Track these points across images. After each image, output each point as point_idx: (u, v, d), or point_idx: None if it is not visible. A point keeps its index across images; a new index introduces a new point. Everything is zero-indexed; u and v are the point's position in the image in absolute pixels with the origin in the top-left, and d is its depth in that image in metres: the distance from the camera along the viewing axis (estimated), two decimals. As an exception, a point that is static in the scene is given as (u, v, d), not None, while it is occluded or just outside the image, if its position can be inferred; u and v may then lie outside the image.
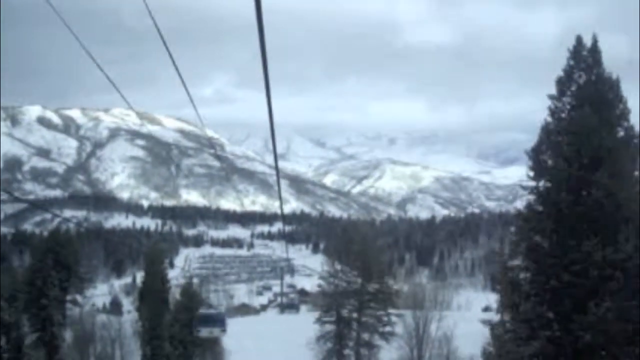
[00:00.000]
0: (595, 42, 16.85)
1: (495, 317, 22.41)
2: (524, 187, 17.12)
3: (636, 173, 15.87)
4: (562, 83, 16.94)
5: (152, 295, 55.54)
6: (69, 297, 54.51)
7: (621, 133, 16.21)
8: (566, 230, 15.51)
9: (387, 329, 49.93)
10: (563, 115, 16.74)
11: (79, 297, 58.34)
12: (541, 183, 16.54)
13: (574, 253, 14.80)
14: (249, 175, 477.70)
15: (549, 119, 16.90)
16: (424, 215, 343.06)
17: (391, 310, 51.22)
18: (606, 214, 15.09)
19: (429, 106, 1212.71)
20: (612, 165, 15.16)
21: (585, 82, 16.61)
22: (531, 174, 16.81)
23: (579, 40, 16.85)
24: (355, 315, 51.09)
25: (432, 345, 46.95)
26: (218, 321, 30.40)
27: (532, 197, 16.72)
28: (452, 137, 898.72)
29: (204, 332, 32.82)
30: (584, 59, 16.77)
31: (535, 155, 16.86)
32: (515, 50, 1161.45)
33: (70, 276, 54.48)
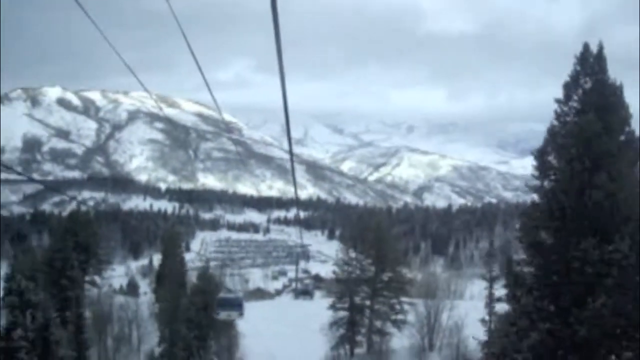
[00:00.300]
0: (600, 49, 17.47)
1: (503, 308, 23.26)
2: (529, 186, 17.78)
3: (635, 176, 16.47)
4: (568, 88, 17.60)
5: (169, 278, 56.78)
6: (87, 278, 55.84)
7: (622, 137, 16.78)
8: (568, 229, 16.25)
9: (399, 316, 50.85)
10: (568, 119, 17.41)
11: (97, 278, 59.79)
12: (546, 183, 17.20)
13: (575, 251, 15.51)
14: (266, 160, 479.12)
15: (555, 122, 17.58)
16: (441, 204, 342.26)
17: (403, 299, 52.10)
18: (606, 214, 15.80)
19: (449, 94, 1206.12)
20: (613, 168, 15.84)
21: (590, 88, 17.25)
22: (536, 173, 17.51)
23: (585, 46, 17.45)
24: (368, 302, 52.06)
25: (442, 334, 47.77)
26: (236, 305, 31.78)
27: (536, 196, 17.43)
28: (471, 126, 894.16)
29: (223, 314, 34.39)
30: (590, 65, 17.38)
31: (541, 156, 17.57)
32: (537, 39, 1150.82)
33: (89, 258, 55.81)
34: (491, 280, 37.18)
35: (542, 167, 17.45)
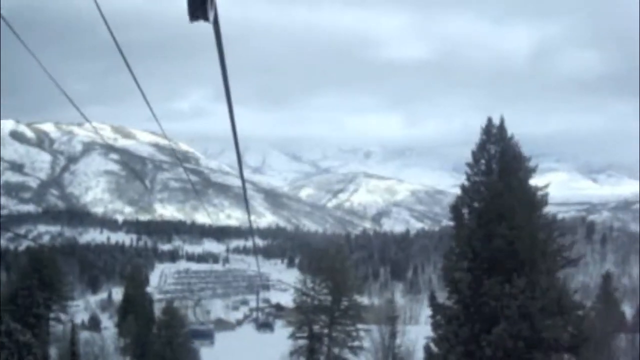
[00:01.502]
0: (502, 120, 21.09)
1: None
2: (447, 235, 21.07)
3: (533, 226, 19.85)
4: (476, 154, 21.18)
5: (135, 312, 58.35)
6: (52, 315, 57.09)
7: (521, 195, 20.12)
8: (478, 269, 19.58)
9: (356, 343, 53.38)
10: (477, 179, 20.80)
11: (61, 315, 60.95)
12: (460, 232, 20.42)
13: (483, 287, 18.73)
14: (224, 190, 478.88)
15: (466, 182, 21.00)
16: (399, 228, 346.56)
17: (360, 326, 54.69)
18: (507, 258, 19.09)
19: (405, 120, 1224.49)
20: (512, 220, 19.30)
21: (493, 153, 20.67)
22: (453, 224, 20.79)
23: (489, 120, 21.04)
24: (326, 330, 54.49)
25: (396, 358, 50.42)
26: (207, 335, 35.43)
27: (454, 242, 20.68)
28: (427, 151, 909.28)
29: (196, 344, 38.43)
30: (494, 135, 20.88)
31: (455, 210, 20.90)
32: (490, 65, 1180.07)
33: (53, 294, 57.08)
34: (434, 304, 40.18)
35: (457, 219, 20.78)
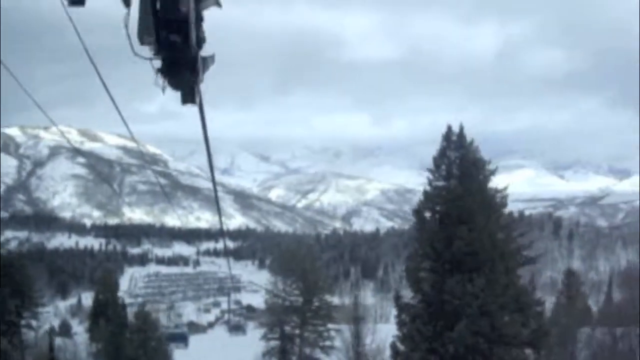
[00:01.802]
0: (461, 128, 22.15)
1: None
2: (412, 237, 22.04)
3: (491, 228, 20.88)
4: (437, 160, 22.24)
5: (107, 317, 58.36)
6: (23, 322, 56.82)
7: (480, 198, 21.15)
8: (441, 270, 20.51)
9: (327, 343, 54.24)
10: (438, 184, 21.78)
11: (33, 322, 60.68)
12: (423, 234, 21.37)
13: (445, 287, 19.68)
14: (193, 192, 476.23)
15: (428, 187, 21.99)
16: (369, 228, 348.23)
17: (331, 325, 55.59)
18: (466, 258, 20.04)
19: (374, 119, 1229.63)
20: (472, 223, 20.26)
21: (453, 159, 21.69)
22: (416, 227, 21.76)
23: (449, 127, 22.09)
24: (297, 331, 55.27)
25: (366, 357, 51.30)
26: (182, 338, 37.01)
27: (416, 245, 21.64)
28: (396, 150, 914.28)
29: (172, 346, 40.34)
30: (454, 142, 21.91)
31: (418, 214, 21.87)
32: (457, 63, 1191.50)
33: (24, 301, 56.83)
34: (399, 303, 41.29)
35: (420, 222, 21.75)
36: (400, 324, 22.07)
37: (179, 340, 55.56)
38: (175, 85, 3.84)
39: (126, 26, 3.67)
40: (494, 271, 20.09)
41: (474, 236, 20.09)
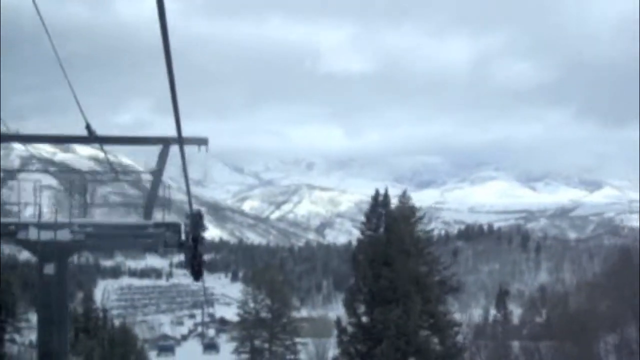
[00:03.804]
0: (386, 191, 27.71)
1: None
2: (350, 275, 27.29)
3: (411, 270, 26.20)
4: (368, 215, 27.79)
5: (88, 330, 61.82)
6: (7, 337, 60.13)
7: (400, 246, 26.47)
8: (371, 301, 25.68)
9: (294, 356, 58.95)
10: (369, 234, 27.21)
11: (17, 337, 63.90)
12: (357, 273, 26.67)
13: (373, 315, 24.91)
14: (166, 203, 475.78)
15: (361, 236, 27.47)
16: (343, 239, 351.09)
17: (297, 339, 60.29)
18: (388, 293, 25.34)
19: (347, 131, 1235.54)
20: (392, 265, 25.64)
21: (380, 216, 27.09)
22: (352, 268, 27.02)
23: (377, 190, 27.71)
24: (266, 345, 59.84)
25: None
26: (170, 349, 44.39)
27: (353, 281, 26.90)
28: (370, 161, 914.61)
29: (162, 356, 50.88)
30: (380, 202, 27.31)
31: (354, 257, 27.20)
32: (430, 76, 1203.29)
33: (7, 316, 60.05)
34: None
35: (355, 263, 27.12)
36: (340, 342, 27.28)
37: (167, 350, 68.74)
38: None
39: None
40: (409, 302, 25.38)
41: (394, 275, 25.69)
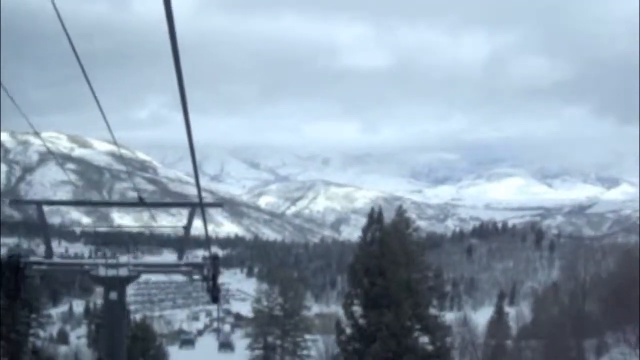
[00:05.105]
0: (380, 209, 30.51)
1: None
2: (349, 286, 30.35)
3: (402, 279, 28.98)
4: (365, 230, 30.82)
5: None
6: (32, 331, 63.55)
7: (393, 258, 29.33)
8: (368, 306, 28.64)
9: (304, 352, 61.93)
10: (365, 247, 30.15)
11: (41, 332, 67.37)
12: (355, 281, 29.65)
13: (368, 318, 27.83)
14: (182, 199, 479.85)
15: (358, 250, 30.56)
16: (358, 236, 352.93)
17: (308, 336, 63.43)
18: (381, 298, 28.38)
19: (363, 127, 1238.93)
20: (386, 274, 28.61)
21: (375, 230, 29.94)
22: (350, 276, 30.08)
23: (372, 208, 30.46)
24: (279, 342, 62.92)
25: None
26: (191, 342, 50.40)
27: (351, 287, 29.91)
28: (385, 157, 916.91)
29: (184, 347, 60.48)
30: (376, 218, 30.17)
31: (352, 268, 30.26)
32: (446, 72, 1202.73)
33: (32, 312, 63.48)
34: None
35: (353, 273, 30.10)
36: (339, 342, 30.33)
37: (189, 343, 77.65)
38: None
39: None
40: (400, 307, 28.37)
41: (387, 284, 28.74)
